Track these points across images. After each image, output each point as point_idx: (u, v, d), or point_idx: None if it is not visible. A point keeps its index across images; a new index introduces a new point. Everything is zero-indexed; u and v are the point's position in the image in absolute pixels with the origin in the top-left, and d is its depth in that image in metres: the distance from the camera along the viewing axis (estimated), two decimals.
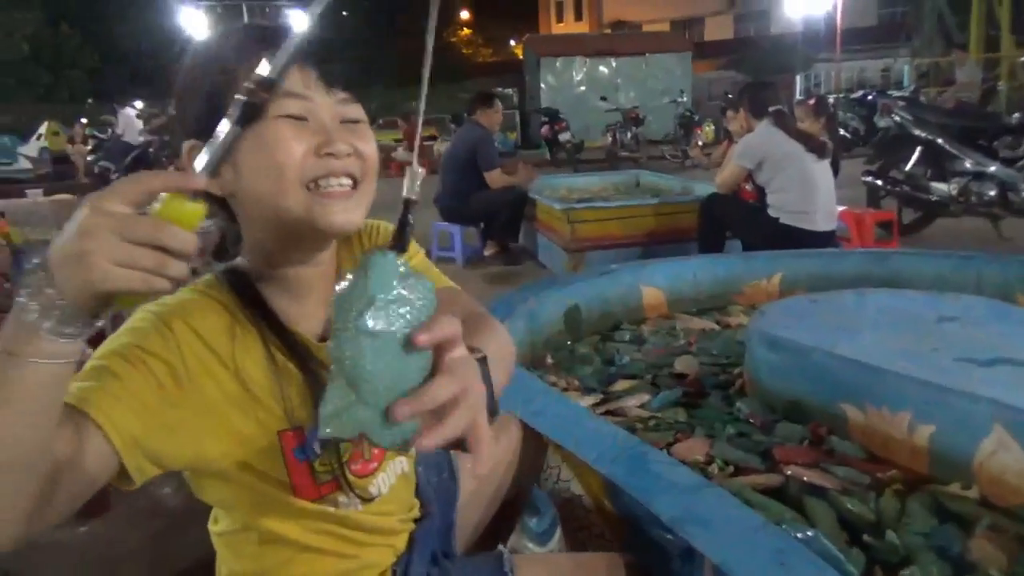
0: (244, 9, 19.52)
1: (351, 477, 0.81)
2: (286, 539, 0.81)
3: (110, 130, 14.50)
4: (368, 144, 0.76)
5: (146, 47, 25.45)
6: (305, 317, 0.80)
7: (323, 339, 0.80)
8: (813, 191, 3.37)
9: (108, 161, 12.43)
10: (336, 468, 0.79)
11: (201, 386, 0.71)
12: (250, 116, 0.62)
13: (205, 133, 0.63)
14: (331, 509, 0.81)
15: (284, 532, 0.80)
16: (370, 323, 0.52)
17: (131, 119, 13.30)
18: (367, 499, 0.84)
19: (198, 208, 0.54)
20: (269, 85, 0.62)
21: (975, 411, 1.22)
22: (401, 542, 0.93)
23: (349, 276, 0.55)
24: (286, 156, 0.70)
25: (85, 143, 13.98)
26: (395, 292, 0.53)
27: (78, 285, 0.51)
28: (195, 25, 20.29)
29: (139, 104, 16.65)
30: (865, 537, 1.13)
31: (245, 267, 0.79)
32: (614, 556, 1.02)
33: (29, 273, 0.52)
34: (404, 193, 0.60)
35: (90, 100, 25.44)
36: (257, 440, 0.75)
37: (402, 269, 0.54)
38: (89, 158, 13.23)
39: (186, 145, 0.74)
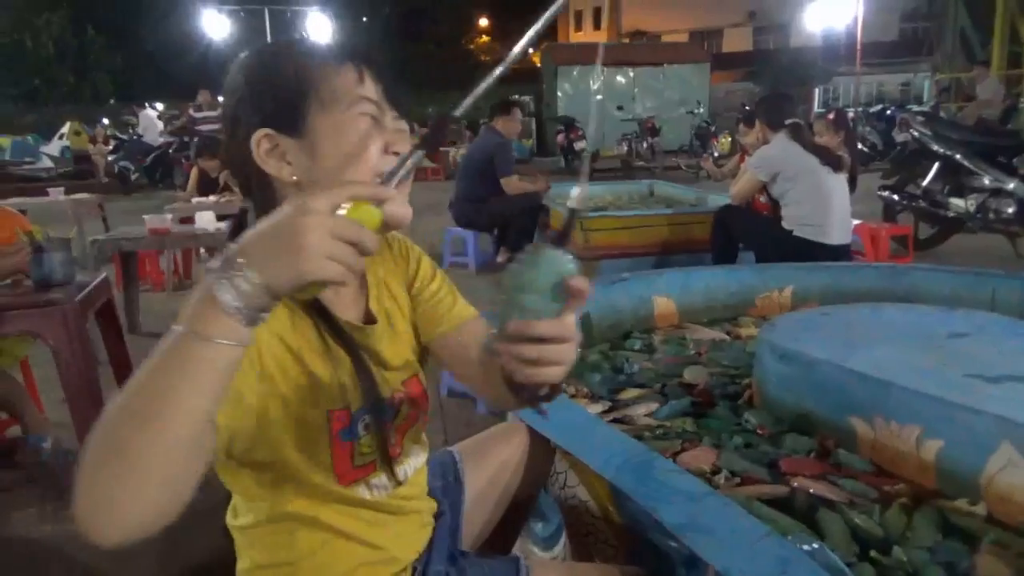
0: (266, 13, 19.71)
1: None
2: (319, 524, 0.85)
3: (131, 131, 14.70)
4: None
5: (169, 50, 25.75)
6: (345, 306, 0.87)
7: (366, 322, 0.89)
8: (828, 204, 3.36)
9: (128, 161, 12.59)
10: (379, 448, 0.86)
11: (270, 369, 0.77)
12: (433, 143, 0.73)
13: (279, 123, 0.77)
14: (365, 495, 0.87)
15: (318, 516, 0.84)
16: (528, 302, 0.65)
17: (152, 120, 13.49)
18: (398, 481, 0.89)
19: (378, 213, 0.63)
20: (454, 120, 0.74)
21: (983, 427, 1.22)
22: (421, 540, 0.96)
23: (522, 257, 0.65)
24: (365, 148, 0.79)
25: (106, 143, 14.16)
26: (555, 279, 0.65)
27: (291, 275, 0.57)
28: (217, 28, 20.52)
29: (160, 106, 16.87)
30: (872, 553, 1.12)
31: None
32: (631, 570, 1.03)
33: (223, 262, 0.58)
34: (569, 204, 0.72)
35: (112, 101, 25.79)
36: (309, 421, 0.81)
37: (570, 265, 0.65)
38: (109, 158, 13.39)
39: (258, 134, 0.79)
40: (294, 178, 0.79)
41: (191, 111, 11.69)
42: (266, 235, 0.58)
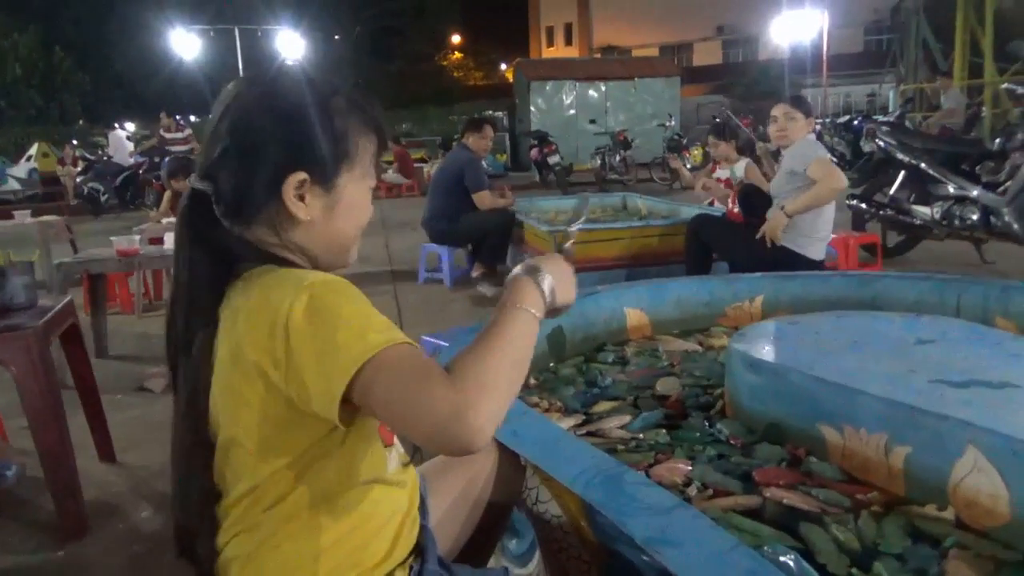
0: (236, 32, 19.62)
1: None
2: (366, 496, 0.89)
3: (100, 152, 14.52)
4: None
5: (138, 70, 25.54)
6: None
7: None
8: (826, 220, 3.39)
9: (97, 182, 12.43)
10: None
11: None
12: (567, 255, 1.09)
13: (316, 173, 0.88)
14: (392, 463, 0.94)
15: (366, 481, 0.89)
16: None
17: (122, 141, 13.36)
18: (408, 458, 0.99)
19: None
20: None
21: (949, 432, 1.23)
22: (416, 532, 0.97)
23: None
24: (366, 216, 0.97)
25: (75, 164, 13.98)
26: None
27: (567, 292, 1.00)
28: (187, 48, 20.37)
29: (130, 126, 16.70)
30: (853, 570, 1.12)
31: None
32: None
33: (528, 269, 0.96)
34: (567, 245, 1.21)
35: (81, 122, 25.48)
36: None
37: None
38: (79, 179, 13.20)
39: (297, 176, 0.87)
40: (308, 219, 0.89)
41: (162, 131, 11.61)
42: (554, 263, 0.99)
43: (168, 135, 11.36)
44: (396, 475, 0.94)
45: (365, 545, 0.88)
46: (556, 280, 0.96)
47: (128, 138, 13.99)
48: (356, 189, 0.93)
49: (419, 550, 0.95)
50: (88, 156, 14.27)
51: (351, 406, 0.77)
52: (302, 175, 0.87)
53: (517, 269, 0.96)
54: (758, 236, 3.37)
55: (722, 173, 4.48)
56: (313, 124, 0.87)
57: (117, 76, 28.00)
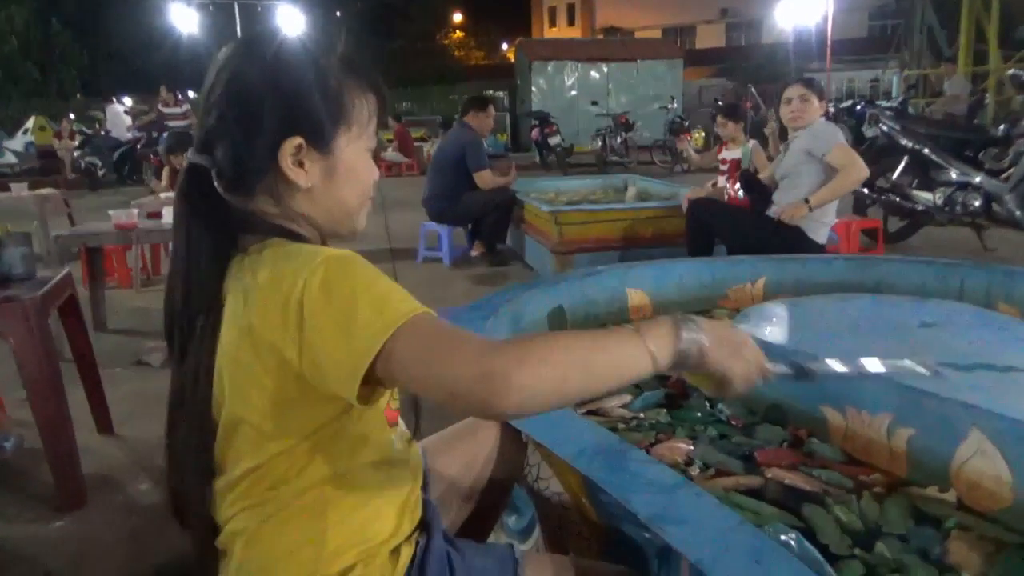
0: (236, 7, 19.42)
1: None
2: (372, 474, 0.88)
3: (98, 126, 14.42)
4: None
5: (136, 44, 25.31)
6: None
7: None
8: (834, 204, 3.38)
9: (95, 157, 12.35)
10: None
11: None
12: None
13: (312, 137, 0.85)
14: (396, 443, 0.92)
15: (374, 461, 0.87)
16: None
17: (120, 115, 13.27)
18: (411, 436, 0.96)
19: None
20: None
21: (954, 415, 1.23)
22: (419, 509, 0.95)
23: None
24: (370, 179, 0.93)
25: (72, 138, 13.88)
26: None
27: (722, 359, 0.85)
28: (185, 22, 20.17)
29: (128, 101, 16.56)
30: (856, 550, 1.12)
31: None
32: (622, 569, 1.02)
33: (689, 321, 0.84)
34: None
35: (79, 96, 25.27)
36: None
37: None
38: (76, 153, 13.11)
39: (293, 141, 0.84)
40: (308, 186, 0.86)
41: (160, 106, 11.52)
42: (724, 329, 0.88)
43: (166, 110, 11.28)
44: (401, 453, 0.93)
45: (371, 522, 0.87)
46: (713, 341, 0.83)
47: (126, 112, 13.85)
48: (355, 151, 0.89)
49: (424, 525, 0.94)
50: (86, 130, 14.18)
51: (368, 386, 0.75)
52: (298, 140, 0.84)
53: (672, 315, 0.86)
54: (775, 216, 3.34)
55: (729, 154, 4.44)
56: (306, 85, 0.84)
57: (115, 50, 27.73)
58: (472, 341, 0.74)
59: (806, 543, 1.06)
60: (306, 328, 0.74)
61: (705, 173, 5.92)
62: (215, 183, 0.85)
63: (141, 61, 23.91)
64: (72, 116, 16.88)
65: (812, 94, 3.38)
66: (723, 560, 0.81)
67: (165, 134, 10.44)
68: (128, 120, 13.17)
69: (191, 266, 0.85)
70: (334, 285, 0.75)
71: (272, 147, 0.84)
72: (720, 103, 15.48)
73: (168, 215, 4.10)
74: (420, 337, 0.74)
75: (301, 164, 0.85)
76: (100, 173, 12.38)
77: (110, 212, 3.87)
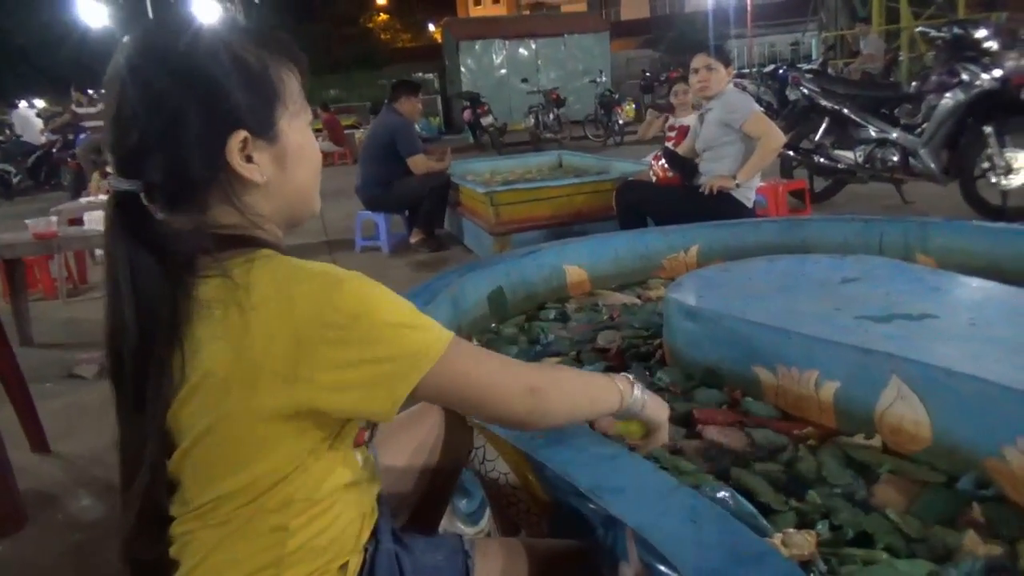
0: None
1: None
2: (347, 485, 0.86)
3: (7, 131, 13.72)
4: None
5: (41, 42, 24.07)
6: None
7: None
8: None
9: (8, 163, 11.76)
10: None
11: None
12: None
13: (255, 126, 0.79)
14: (359, 460, 0.90)
15: (341, 483, 0.85)
16: None
17: (29, 119, 12.63)
18: (366, 456, 0.94)
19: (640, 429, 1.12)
20: None
21: (874, 365, 1.29)
22: (374, 519, 0.94)
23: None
24: (317, 154, 0.90)
25: None
26: None
27: (654, 420, 1.09)
28: (93, 16, 19.27)
29: (39, 103, 15.79)
30: (791, 502, 1.16)
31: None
32: (572, 544, 1.04)
33: (642, 387, 1.06)
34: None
35: None
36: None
37: None
38: None
39: (238, 136, 0.78)
40: (264, 180, 0.81)
41: (74, 106, 11.02)
42: (657, 400, 1.10)
43: (81, 110, 10.80)
44: (364, 470, 0.91)
45: (333, 543, 0.84)
46: (651, 401, 1.07)
47: (37, 115, 13.21)
48: (297, 129, 0.85)
49: (373, 529, 0.92)
50: None
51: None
52: (242, 133, 0.78)
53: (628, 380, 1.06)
54: (702, 190, 3.39)
55: (681, 120, 4.50)
56: (230, 73, 0.78)
57: (19, 50, 26.33)
58: (512, 361, 0.89)
59: (740, 498, 1.11)
60: (323, 359, 0.73)
61: (640, 146, 5.98)
62: (148, 207, 0.78)
63: (48, 60, 22.75)
64: None
65: (718, 62, 3.43)
66: (661, 522, 0.85)
67: (83, 135, 10.03)
68: (40, 123, 12.56)
69: (140, 303, 0.75)
70: (355, 313, 0.74)
71: (215, 149, 0.77)
72: (648, 74, 15.67)
73: (90, 221, 3.94)
74: (465, 358, 0.82)
75: (250, 159, 0.80)
76: (15, 181, 11.80)
77: (27, 221, 3.70)
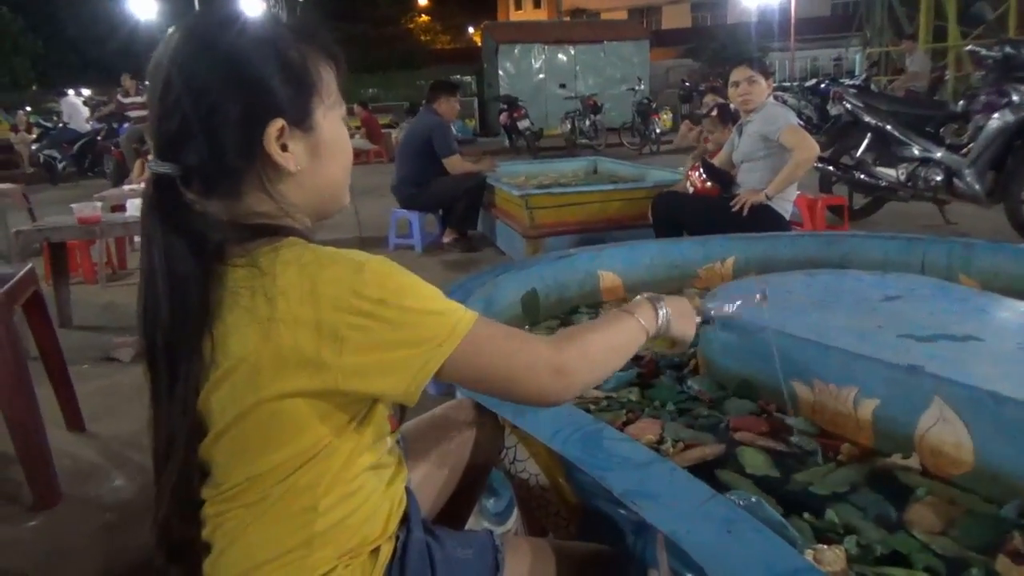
0: None
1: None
2: (369, 478, 0.86)
3: (55, 118, 14.04)
4: None
5: (92, 33, 24.67)
6: None
7: None
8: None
9: (54, 149, 12.04)
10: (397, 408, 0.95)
11: None
12: None
13: (293, 116, 0.81)
14: (389, 444, 0.92)
15: (369, 465, 0.86)
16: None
17: (76, 106, 12.91)
18: (394, 441, 0.95)
19: None
20: None
21: (916, 385, 1.26)
22: (402, 506, 0.94)
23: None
24: (349, 149, 0.92)
25: (30, 131, 13.50)
26: None
27: (682, 326, 1.12)
28: (143, 9, 19.69)
29: (86, 91, 16.15)
30: (806, 515, 1.15)
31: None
32: (601, 548, 1.04)
33: (651, 299, 1.08)
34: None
35: (34, 87, 24.60)
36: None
37: None
38: (34, 147, 12.75)
39: (276, 124, 0.80)
40: (297, 169, 0.83)
41: (119, 96, 11.25)
42: (678, 302, 1.11)
43: (126, 100, 11.02)
44: (391, 456, 0.92)
45: (362, 525, 0.85)
46: (674, 313, 1.08)
47: (84, 103, 13.50)
48: (332, 121, 0.86)
49: (404, 518, 0.93)
50: (43, 123, 13.79)
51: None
52: (280, 122, 0.80)
53: (641, 296, 1.09)
54: (735, 207, 3.35)
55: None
56: (271, 63, 0.80)
57: (71, 40, 26.98)
58: (535, 339, 0.87)
59: (767, 507, 1.09)
60: (353, 342, 0.74)
61: (675, 155, 5.94)
62: (186, 192, 0.79)
63: (98, 51, 23.27)
64: (28, 108, 16.43)
65: (758, 75, 3.41)
66: (695, 531, 0.84)
67: (125, 125, 10.23)
68: (86, 111, 12.84)
69: (173, 284, 0.77)
70: (381, 298, 0.74)
71: (254, 136, 0.79)
72: (687, 83, 15.58)
73: (132, 208, 4.02)
74: (491, 342, 0.82)
75: (285, 147, 0.81)
76: (60, 166, 12.08)
77: (72, 206, 3.78)
